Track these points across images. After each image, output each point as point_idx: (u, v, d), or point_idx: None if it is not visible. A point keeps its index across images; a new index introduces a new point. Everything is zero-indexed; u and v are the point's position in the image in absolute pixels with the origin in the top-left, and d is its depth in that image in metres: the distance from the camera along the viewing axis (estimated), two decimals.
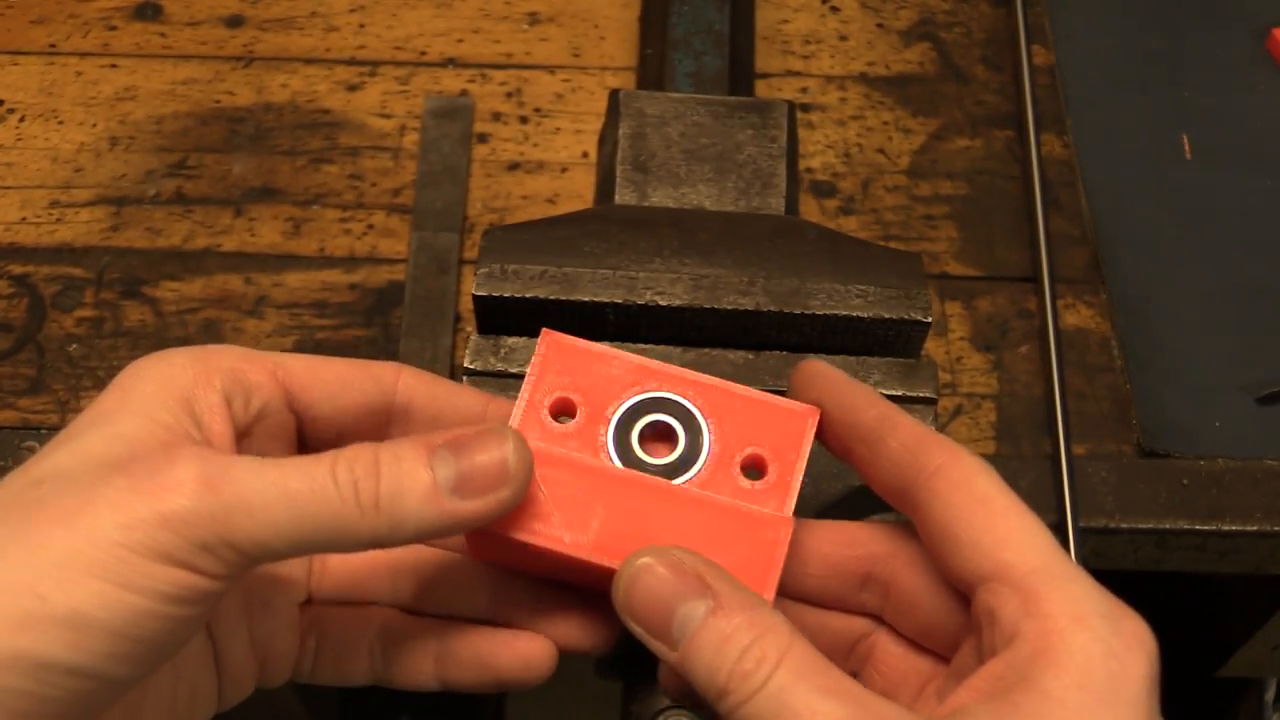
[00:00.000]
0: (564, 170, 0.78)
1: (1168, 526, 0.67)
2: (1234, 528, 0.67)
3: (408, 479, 0.36)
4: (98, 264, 0.74)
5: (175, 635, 0.34)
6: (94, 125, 0.79)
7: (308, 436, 0.40)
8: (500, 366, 0.55)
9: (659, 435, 0.43)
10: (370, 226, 0.76)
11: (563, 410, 0.43)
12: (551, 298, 0.55)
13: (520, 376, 0.55)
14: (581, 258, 0.56)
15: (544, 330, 0.44)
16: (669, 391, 0.43)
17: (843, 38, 0.85)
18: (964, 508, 0.39)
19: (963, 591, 0.40)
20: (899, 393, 0.55)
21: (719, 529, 0.40)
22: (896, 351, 0.57)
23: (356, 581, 0.44)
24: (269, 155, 0.78)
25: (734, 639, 0.35)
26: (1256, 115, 0.82)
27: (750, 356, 0.56)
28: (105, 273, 0.73)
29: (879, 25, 0.86)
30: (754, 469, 0.43)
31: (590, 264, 0.56)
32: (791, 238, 0.59)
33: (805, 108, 0.81)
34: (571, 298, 0.55)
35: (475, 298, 0.55)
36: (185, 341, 0.71)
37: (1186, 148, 0.80)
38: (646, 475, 0.41)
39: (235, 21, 0.84)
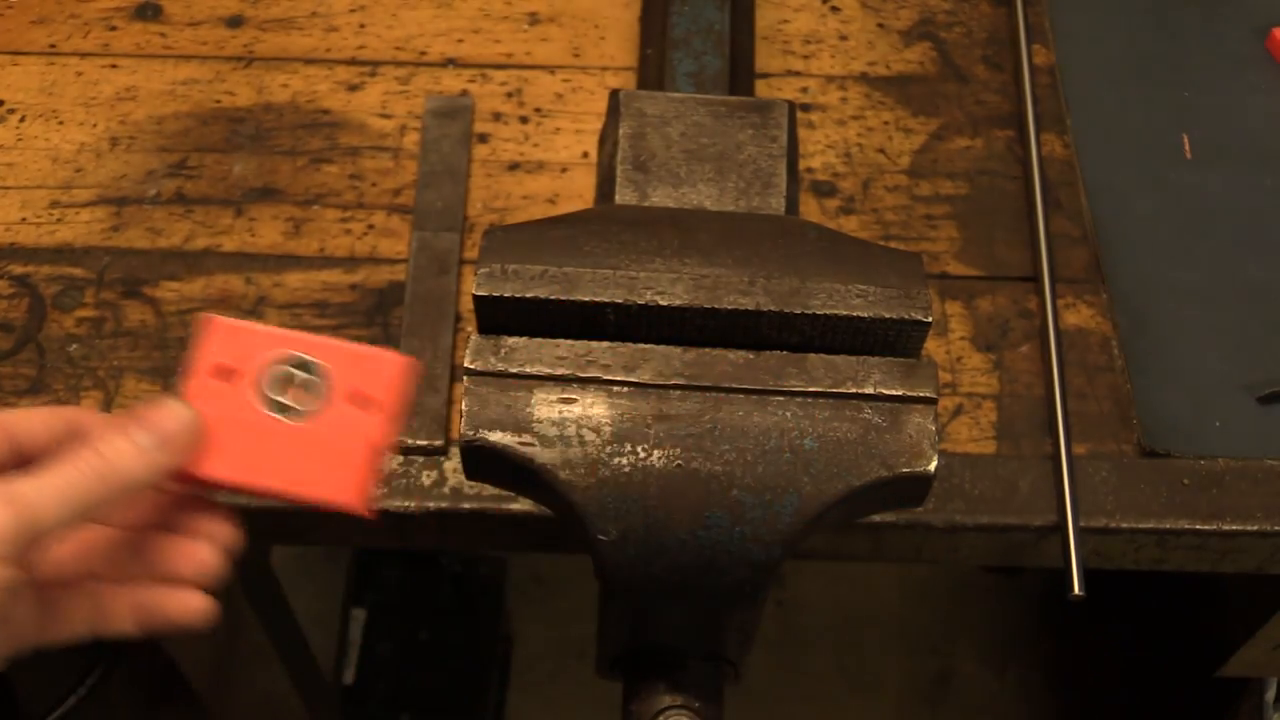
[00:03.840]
0: (564, 170, 0.78)
1: (1168, 526, 0.67)
2: (1234, 527, 0.67)
3: (123, 455, 0.50)
4: (98, 264, 0.74)
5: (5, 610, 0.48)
6: (94, 125, 0.79)
7: (23, 458, 0.53)
8: (500, 366, 0.55)
9: (297, 385, 0.54)
10: (370, 226, 0.76)
11: (222, 375, 0.54)
12: (552, 297, 0.55)
13: (521, 376, 0.55)
14: (582, 257, 0.56)
15: (207, 318, 0.54)
16: (302, 353, 0.54)
17: (843, 38, 0.85)
18: None
19: None
20: (899, 392, 0.55)
21: (331, 435, 0.53)
22: (897, 351, 0.57)
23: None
24: (269, 155, 0.78)
25: None
26: (1256, 115, 0.82)
27: (750, 356, 0.56)
28: (106, 273, 0.73)
29: (879, 25, 0.86)
30: (360, 401, 0.53)
31: (590, 264, 0.56)
32: (792, 237, 0.59)
33: (805, 107, 0.81)
34: (572, 297, 0.55)
35: (476, 297, 0.55)
36: (185, 342, 0.71)
37: (1186, 148, 0.80)
38: (279, 417, 0.53)
39: (235, 22, 0.84)
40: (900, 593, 1.60)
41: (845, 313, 0.56)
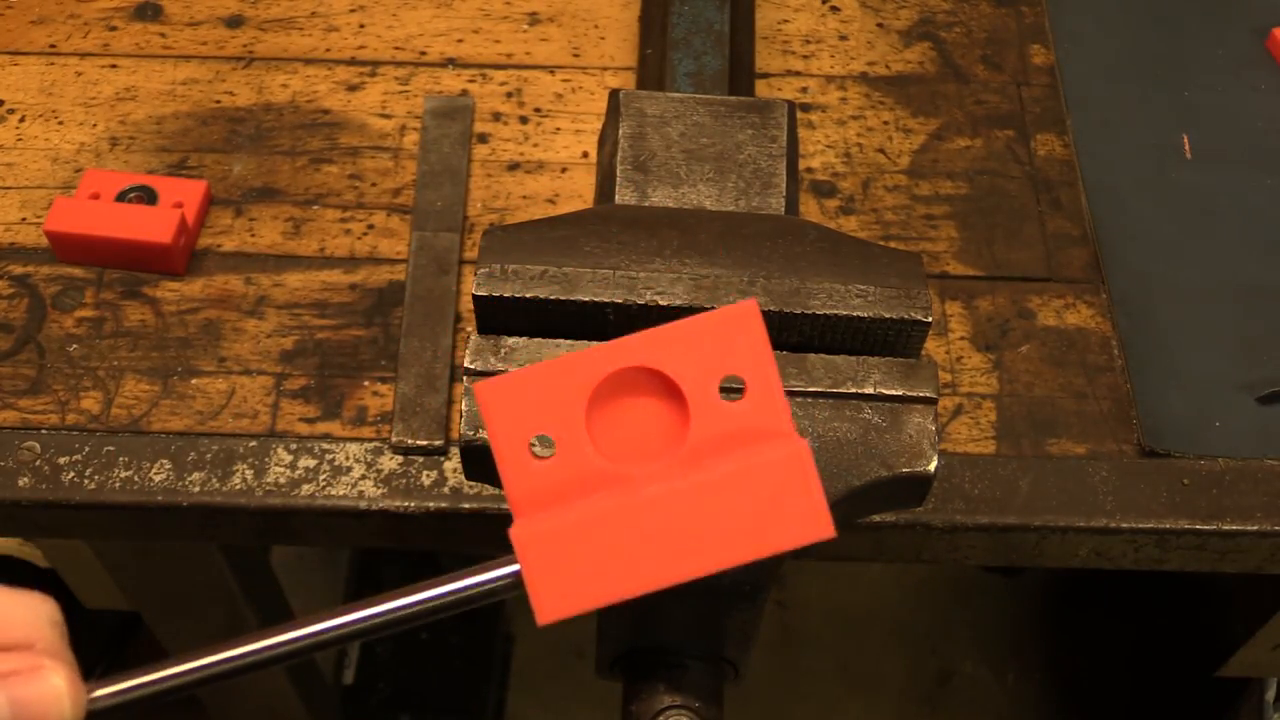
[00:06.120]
0: (564, 170, 0.78)
1: (1168, 526, 0.67)
2: (1234, 527, 0.67)
3: None
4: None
5: None
6: (94, 125, 0.79)
7: None
8: (500, 367, 0.55)
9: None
10: (370, 226, 0.76)
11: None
12: (551, 297, 0.55)
13: None
14: (582, 258, 0.56)
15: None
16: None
17: (843, 37, 0.85)
18: None
19: None
20: (899, 392, 0.55)
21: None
22: (897, 351, 0.57)
23: None
24: (269, 155, 0.78)
25: None
26: (1257, 115, 0.82)
27: None
28: (105, 273, 0.73)
29: (879, 25, 0.86)
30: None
31: (590, 264, 0.56)
32: (791, 238, 0.59)
33: (805, 107, 0.81)
34: (571, 298, 0.55)
35: (475, 298, 0.55)
36: (185, 342, 0.71)
37: (1186, 148, 0.80)
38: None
39: (235, 22, 0.84)
40: (900, 593, 1.60)
41: (845, 313, 0.56)
